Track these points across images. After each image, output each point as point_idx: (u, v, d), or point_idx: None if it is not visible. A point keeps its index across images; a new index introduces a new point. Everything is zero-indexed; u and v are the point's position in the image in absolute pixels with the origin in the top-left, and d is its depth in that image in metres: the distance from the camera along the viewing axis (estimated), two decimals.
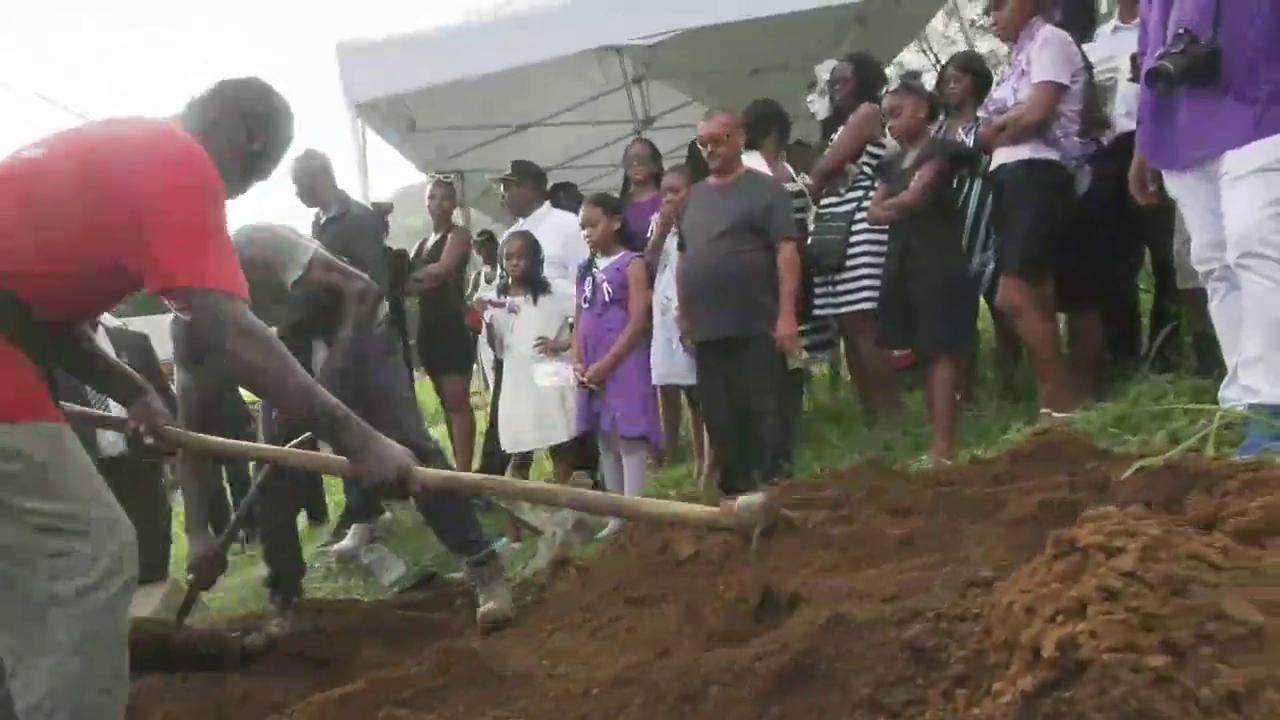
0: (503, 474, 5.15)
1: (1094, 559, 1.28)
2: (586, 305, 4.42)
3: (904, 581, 1.81)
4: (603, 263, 4.43)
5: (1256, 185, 2.75)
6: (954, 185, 4.17)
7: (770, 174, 4.65)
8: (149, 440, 2.36)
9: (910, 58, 12.72)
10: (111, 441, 4.67)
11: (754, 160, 4.66)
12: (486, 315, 5.11)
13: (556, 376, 4.53)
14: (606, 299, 4.33)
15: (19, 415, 1.87)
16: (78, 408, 2.59)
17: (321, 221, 4.97)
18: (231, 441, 2.89)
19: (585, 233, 4.44)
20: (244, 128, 2.22)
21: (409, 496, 2.27)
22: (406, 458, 2.04)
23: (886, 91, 4.10)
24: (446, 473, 2.53)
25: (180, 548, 6.14)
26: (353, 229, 4.92)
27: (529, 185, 5.47)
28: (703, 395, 4.53)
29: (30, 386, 1.91)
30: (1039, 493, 2.29)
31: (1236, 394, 2.87)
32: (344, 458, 2.07)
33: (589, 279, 4.44)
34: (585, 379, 4.31)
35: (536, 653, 2.28)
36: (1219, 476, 2.19)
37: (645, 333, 4.43)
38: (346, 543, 4.81)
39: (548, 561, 3.80)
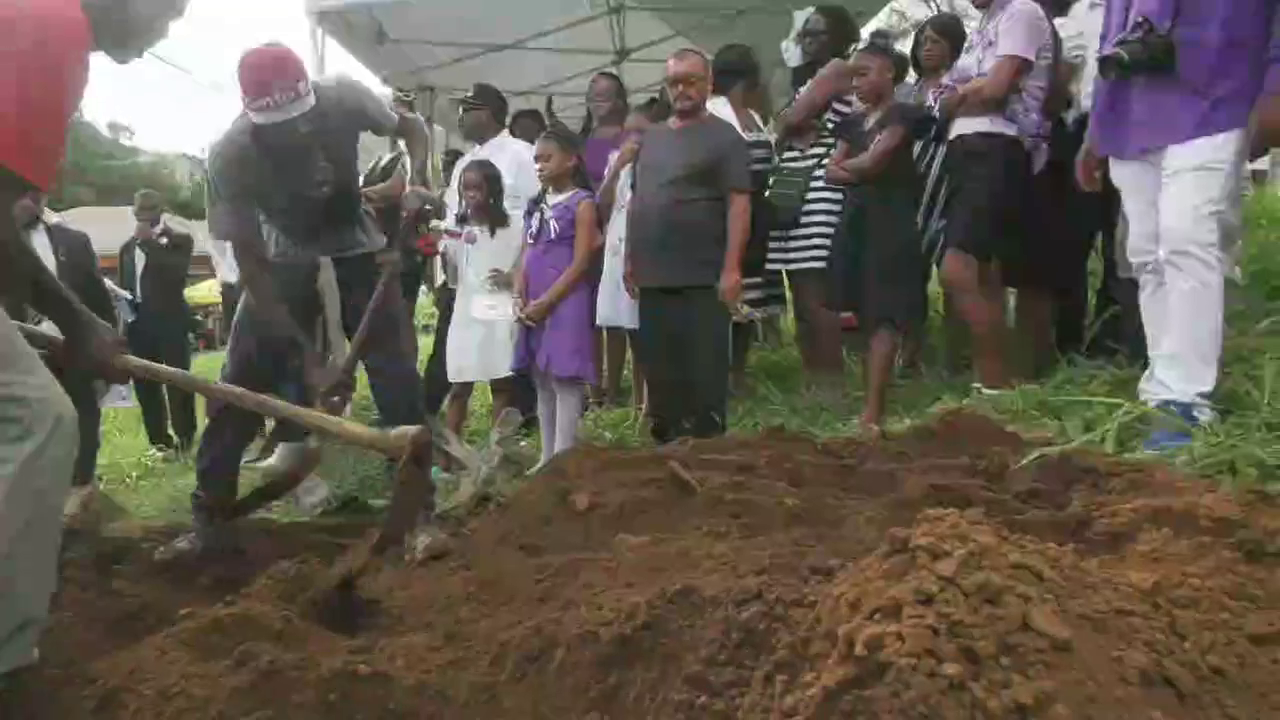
0: (440, 401, 5.18)
1: (920, 561, 1.31)
2: (531, 241, 4.38)
3: (776, 555, 1.85)
4: (553, 199, 4.38)
5: (1194, 183, 2.77)
6: (914, 151, 4.16)
7: (735, 121, 4.61)
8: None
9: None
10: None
11: (720, 107, 4.61)
12: (441, 245, 5.07)
13: (494, 310, 4.52)
14: (552, 236, 4.29)
15: None
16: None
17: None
18: (182, 374, 2.85)
19: (539, 167, 4.37)
20: None
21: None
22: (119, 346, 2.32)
23: (854, 49, 4.05)
24: (148, 363, 2.59)
25: (108, 454, 6.19)
26: None
27: (488, 110, 5.35)
28: (642, 341, 4.55)
29: None
30: (934, 474, 2.33)
31: (1154, 389, 2.92)
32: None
33: (537, 214, 4.39)
34: (523, 315, 4.30)
35: (406, 593, 2.32)
36: (1107, 474, 2.24)
37: (587, 274, 4.41)
38: (273, 461, 4.82)
39: (469, 496, 3.84)
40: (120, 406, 7.26)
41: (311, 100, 3.14)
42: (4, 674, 1.85)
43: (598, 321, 4.84)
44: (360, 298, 3.46)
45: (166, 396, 6.97)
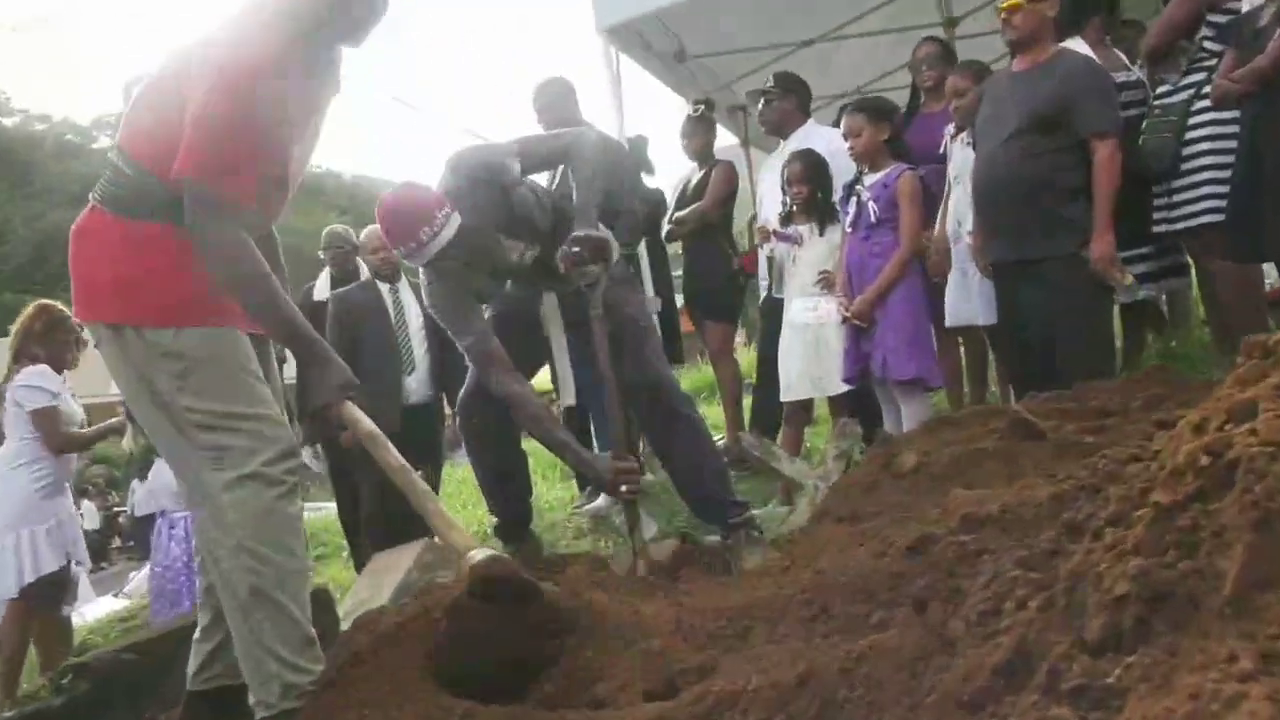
0: (777, 424, 5.21)
1: None
2: (850, 230, 4.36)
3: None
4: (869, 179, 4.30)
5: None
6: None
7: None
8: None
9: None
10: (414, 389, 5.40)
11: (1076, 45, 4.37)
12: (767, 249, 5.18)
13: (814, 313, 4.50)
14: (872, 220, 4.22)
15: (185, 319, 2.22)
16: None
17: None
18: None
19: (848, 144, 4.35)
20: None
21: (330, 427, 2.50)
22: (344, 391, 2.36)
23: None
24: (373, 428, 2.46)
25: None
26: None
27: (794, 98, 5.33)
28: (998, 329, 4.34)
29: (201, 290, 2.24)
30: None
31: None
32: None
33: (854, 198, 4.37)
34: (849, 314, 4.27)
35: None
36: None
37: (918, 258, 4.30)
38: (599, 502, 5.10)
39: (807, 520, 3.83)
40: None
41: (456, 218, 3.34)
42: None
43: (948, 322, 4.69)
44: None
45: None
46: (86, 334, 2.50)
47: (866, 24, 7.03)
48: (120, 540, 18.83)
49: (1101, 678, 0.99)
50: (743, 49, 7.07)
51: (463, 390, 3.88)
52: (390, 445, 2.40)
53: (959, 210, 4.47)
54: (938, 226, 4.56)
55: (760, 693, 1.40)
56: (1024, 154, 3.83)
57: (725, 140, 7.10)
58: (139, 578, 8.79)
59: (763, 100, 5.34)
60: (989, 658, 1.15)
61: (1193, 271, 4.72)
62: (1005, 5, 3.83)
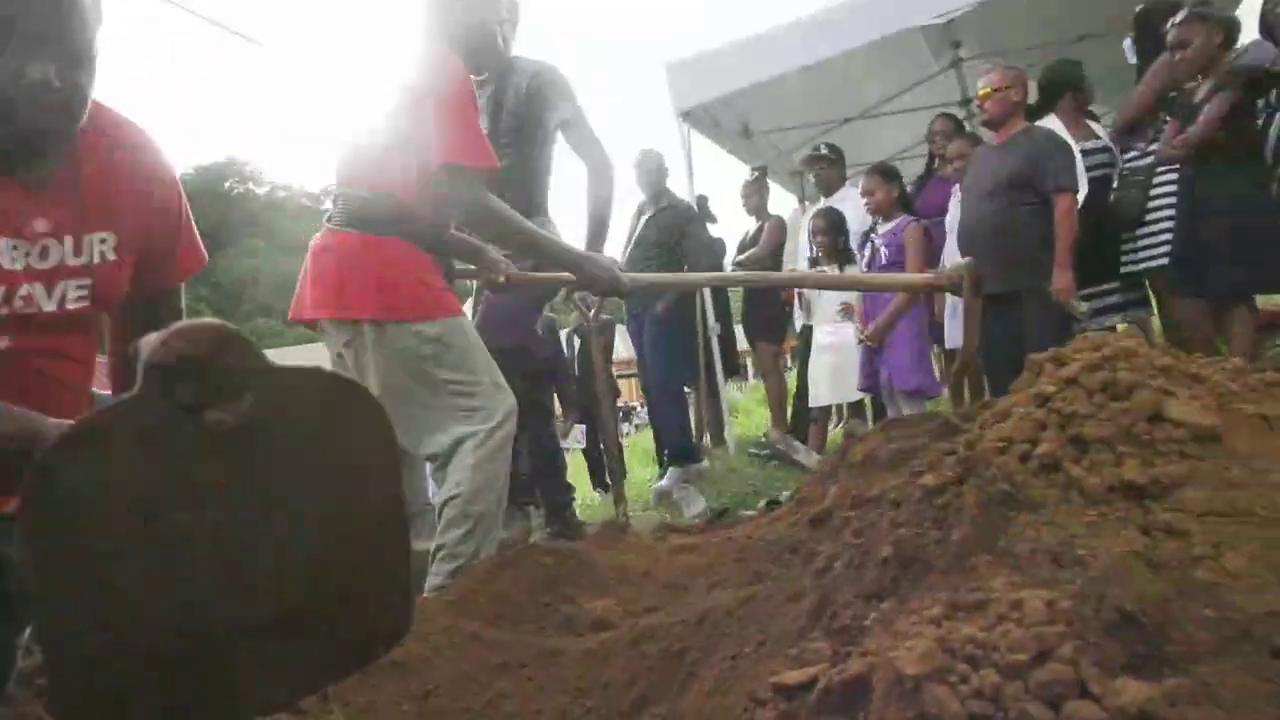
0: (807, 429, 5.29)
1: (1045, 370, 1.22)
2: (865, 268, 4.43)
3: None
4: (882, 228, 4.41)
5: None
6: (1255, 115, 3.58)
7: (1065, 133, 4.33)
8: None
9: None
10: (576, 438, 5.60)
11: (1051, 123, 4.36)
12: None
13: (836, 336, 4.59)
14: (883, 261, 4.31)
15: (439, 312, 2.38)
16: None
17: (647, 214, 5.47)
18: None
19: (865, 201, 4.45)
20: None
21: (624, 294, 2.73)
22: (616, 267, 2.55)
23: (1171, 24, 3.62)
24: (653, 275, 2.78)
25: None
26: (676, 220, 5.37)
27: (838, 167, 5.53)
28: (984, 352, 4.33)
29: (445, 289, 2.44)
30: None
31: None
32: None
33: (869, 244, 4.45)
34: (864, 338, 4.33)
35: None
36: None
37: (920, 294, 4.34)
38: (664, 482, 5.24)
39: None
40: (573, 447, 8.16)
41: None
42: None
43: (946, 345, 4.71)
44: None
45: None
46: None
47: (900, 103, 6.99)
48: None
49: (860, 620, 1.06)
50: (797, 125, 7.10)
51: None
52: None
53: (952, 254, 4.45)
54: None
55: (672, 627, 1.49)
56: (997, 209, 3.94)
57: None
58: None
59: (819, 166, 5.44)
60: (806, 604, 1.22)
61: (1154, 304, 4.58)
62: (981, 94, 3.84)
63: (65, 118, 1.42)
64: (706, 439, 6.11)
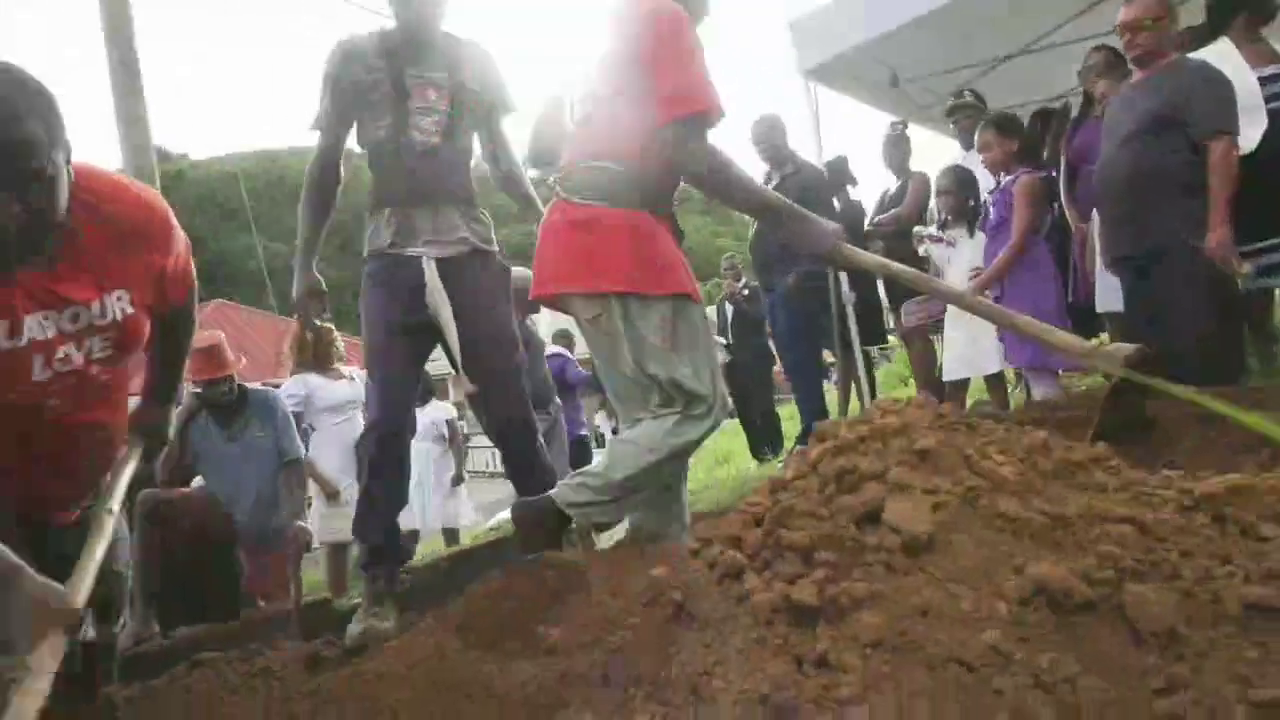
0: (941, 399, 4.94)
1: (811, 444, 1.07)
2: (981, 229, 4.04)
3: None
4: (1004, 183, 4.00)
5: None
6: None
7: (1236, 61, 3.72)
8: None
9: None
10: None
11: (1220, 49, 3.77)
12: (922, 249, 4.95)
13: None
14: (991, 220, 3.90)
15: (674, 288, 2.30)
16: None
17: (774, 182, 5.27)
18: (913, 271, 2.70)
19: (981, 157, 4.04)
20: None
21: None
22: (839, 235, 2.34)
23: None
24: (876, 257, 2.59)
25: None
26: (803, 186, 5.14)
27: (977, 115, 5.06)
28: (1126, 322, 3.85)
29: (683, 264, 2.36)
30: None
31: None
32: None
33: (985, 202, 4.04)
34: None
35: None
36: None
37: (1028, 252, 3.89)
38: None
39: None
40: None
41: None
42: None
43: (1097, 308, 4.24)
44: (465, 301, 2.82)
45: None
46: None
47: (1066, 33, 6.28)
48: None
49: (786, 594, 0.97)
50: (954, 68, 6.54)
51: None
52: None
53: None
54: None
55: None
56: (1136, 155, 3.50)
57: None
58: None
59: (963, 115, 5.07)
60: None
61: None
62: (1129, 23, 3.38)
63: (38, 226, 1.68)
64: (851, 409, 5.88)
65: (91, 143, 8.38)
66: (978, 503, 0.94)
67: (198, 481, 4.40)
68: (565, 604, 2.07)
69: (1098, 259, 4.13)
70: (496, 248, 2.96)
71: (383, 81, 2.76)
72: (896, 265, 2.63)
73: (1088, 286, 4.33)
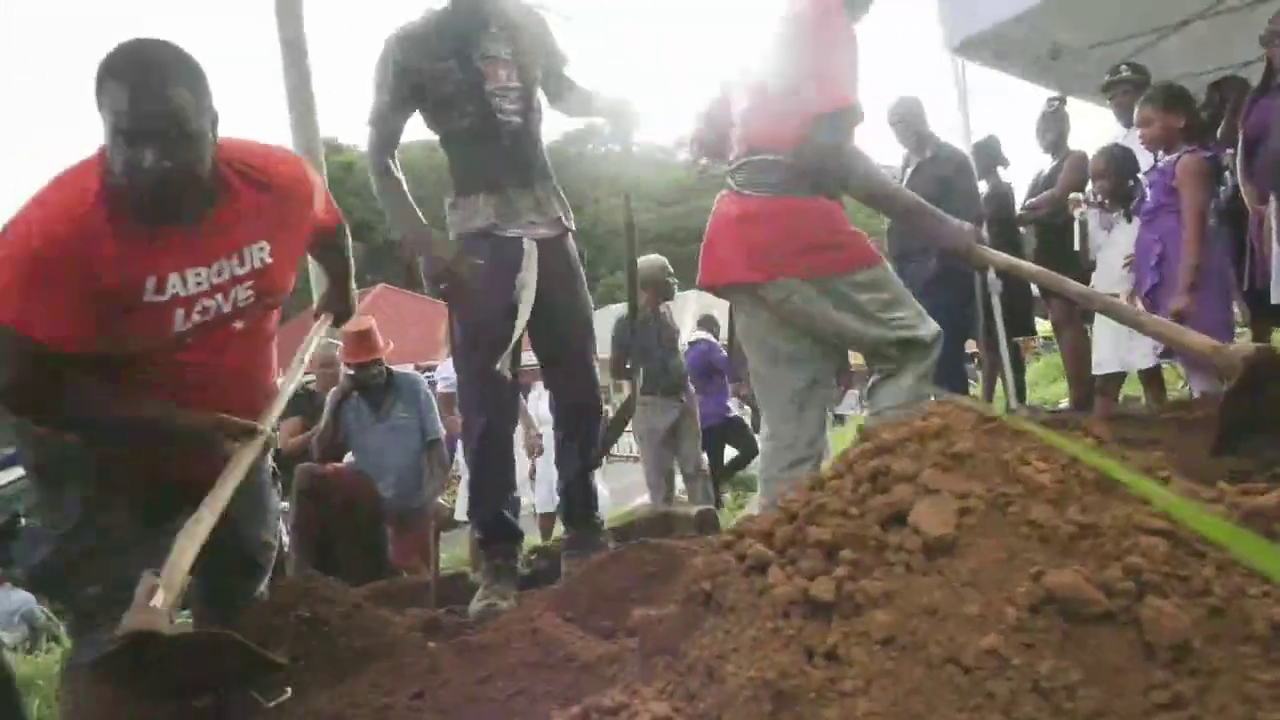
0: (1092, 395, 4.65)
1: (854, 443, 1.06)
2: (1136, 214, 3.76)
3: None
4: (1162, 164, 3.71)
5: None
6: None
7: None
8: None
9: None
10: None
11: None
12: (1077, 212, 4.69)
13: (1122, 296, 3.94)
14: (1148, 204, 3.62)
15: (874, 260, 2.48)
16: None
17: (912, 166, 5.11)
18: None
19: (1139, 134, 3.76)
20: None
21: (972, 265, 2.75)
22: (975, 235, 2.49)
23: None
24: (1009, 257, 2.71)
25: None
26: (939, 171, 4.97)
27: (1137, 91, 4.72)
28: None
29: (863, 236, 2.50)
30: None
31: None
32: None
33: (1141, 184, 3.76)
34: (1173, 312, 3.59)
35: None
36: None
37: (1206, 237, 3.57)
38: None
39: None
40: None
41: None
42: None
43: (1272, 298, 3.90)
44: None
45: None
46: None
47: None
48: None
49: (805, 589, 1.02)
50: (1122, 37, 6.10)
51: None
52: None
53: None
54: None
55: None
56: None
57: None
58: None
59: (1120, 90, 4.79)
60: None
61: None
62: None
63: (184, 183, 1.88)
64: (996, 402, 5.67)
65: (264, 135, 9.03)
66: (1008, 509, 0.93)
67: (349, 459, 4.74)
68: (657, 584, 2.15)
69: (1275, 243, 3.83)
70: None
71: (453, 70, 2.77)
72: (1027, 266, 2.61)
73: (1265, 272, 4.00)
